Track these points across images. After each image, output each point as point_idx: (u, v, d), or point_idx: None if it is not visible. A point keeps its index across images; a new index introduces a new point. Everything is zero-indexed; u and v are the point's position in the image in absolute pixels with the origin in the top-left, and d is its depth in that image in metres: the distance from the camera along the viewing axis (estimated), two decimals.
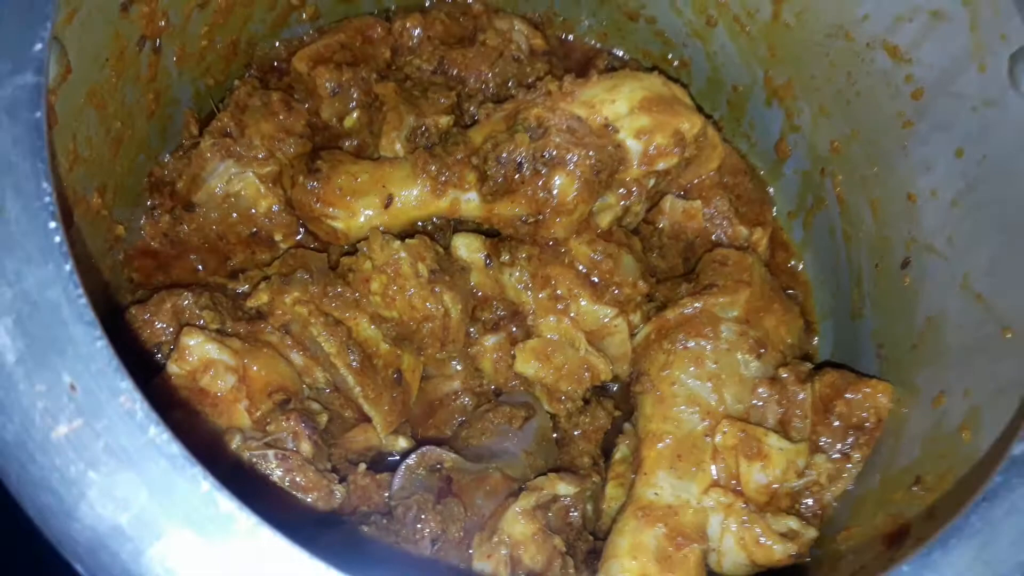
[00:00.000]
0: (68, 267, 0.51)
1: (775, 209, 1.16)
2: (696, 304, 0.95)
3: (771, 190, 1.16)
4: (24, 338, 0.49)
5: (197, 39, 1.01)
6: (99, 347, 0.49)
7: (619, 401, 1.02)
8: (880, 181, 0.98)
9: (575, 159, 0.93)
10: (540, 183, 0.93)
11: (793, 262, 1.16)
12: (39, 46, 0.59)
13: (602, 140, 0.95)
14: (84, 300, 0.50)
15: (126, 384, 0.48)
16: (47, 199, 0.52)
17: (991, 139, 0.83)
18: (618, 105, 0.97)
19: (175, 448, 0.47)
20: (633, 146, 0.96)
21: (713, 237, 1.07)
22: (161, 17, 0.93)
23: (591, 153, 0.93)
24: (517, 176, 0.93)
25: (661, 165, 0.97)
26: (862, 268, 1.03)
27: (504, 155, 0.93)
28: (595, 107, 0.96)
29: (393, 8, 1.18)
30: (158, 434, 0.47)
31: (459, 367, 0.97)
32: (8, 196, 0.52)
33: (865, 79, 0.97)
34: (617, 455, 0.96)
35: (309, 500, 0.78)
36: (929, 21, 0.87)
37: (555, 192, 0.93)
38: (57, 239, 0.51)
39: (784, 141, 1.12)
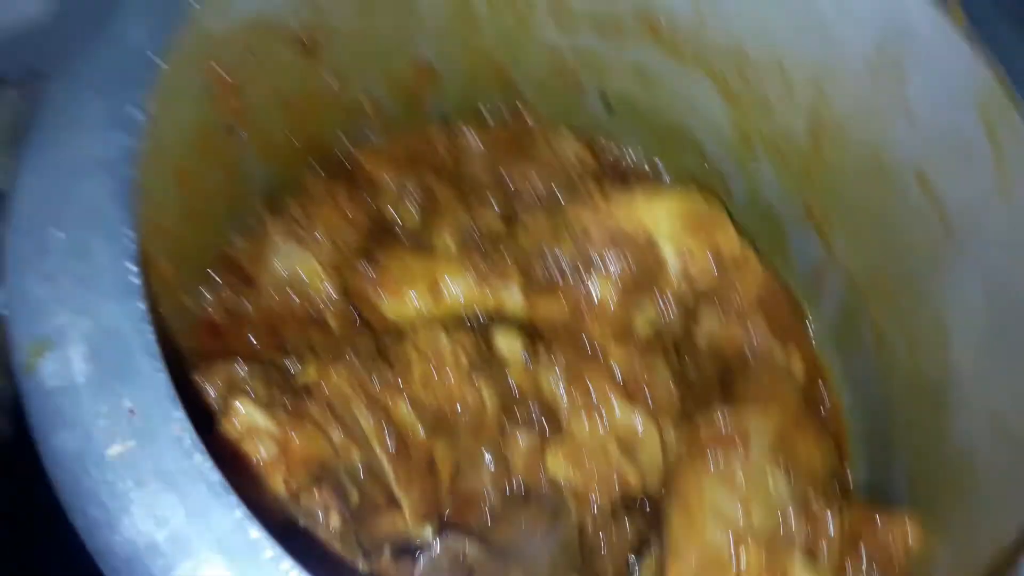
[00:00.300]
0: (141, 306, 0.56)
1: (812, 334, 1.18)
2: (728, 421, 0.96)
3: (808, 316, 1.19)
4: (95, 363, 0.54)
5: (277, 133, 1.10)
6: (159, 378, 0.53)
7: (648, 515, 1.02)
8: (914, 312, 1.01)
9: (615, 267, 0.98)
10: (580, 286, 0.98)
11: (827, 389, 1.17)
12: (137, 114, 0.66)
13: (643, 252, 1.00)
14: (152, 336, 0.55)
15: (179, 414, 0.52)
16: (130, 245, 0.57)
17: (1020, 273, 0.85)
18: (660, 218, 1.02)
19: (216, 476, 0.51)
20: (672, 260, 1.01)
21: (749, 356, 1.09)
22: (248, 111, 1.03)
23: (631, 263, 0.98)
24: (559, 277, 0.98)
25: (699, 283, 1.02)
26: (894, 398, 1.04)
27: (548, 256, 0.98)
28: (638, 220, 1.02)
29: (455, 120, 1.27)
30: (202, 461, 0.51)
31: (491, 462, 0.99)
32: (97, 240, 0.58)
33: (900, 210, 1.00)
34: (643, 571, 0.96)
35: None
36: (956, 153, 0.91)
37: (595, 296, 0.98)
38: (135, 280, 0.57)
39: (821, 267, 1.16)
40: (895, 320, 1.04)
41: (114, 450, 0.51)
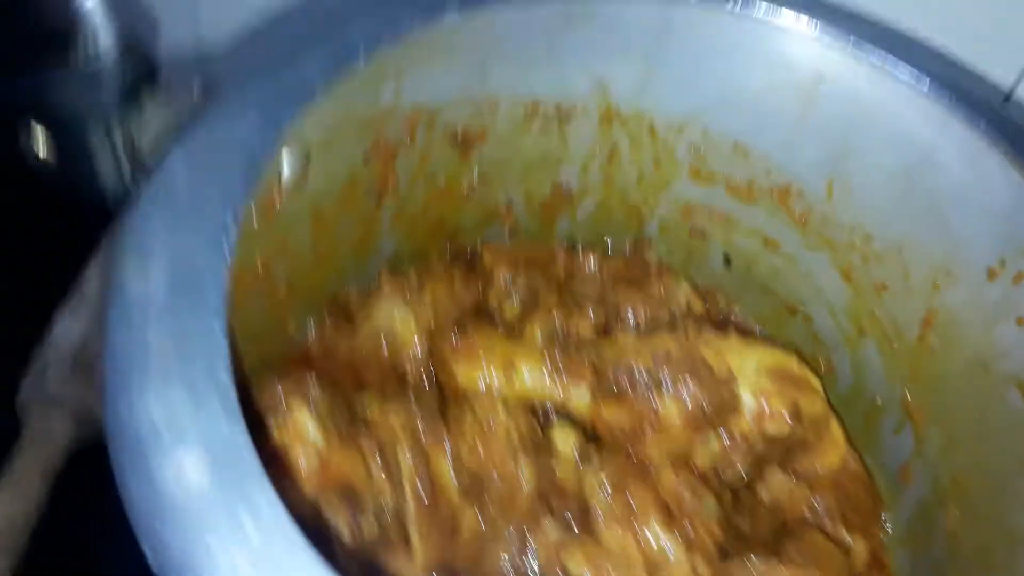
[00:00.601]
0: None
1: (886, 532, 1.11)
2: (760, 570, 0.92)
3: (885, 510, 1.12)
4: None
5: (416, 211, 1.22)
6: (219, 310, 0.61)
7: None
8: (994, 522, 0.94)
9: (688, 391, 0.99)
10: (650, 401, 0.99)
11: None
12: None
13: (720, 386, 1.01)
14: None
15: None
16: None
17: None
18: (746, 363, 1.03)
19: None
20: (748, 401, 1.01)
21: (809, 523, 1.04)
22: (396, 183, 1.15)
23: (704, 390, 0.99)
24: (630, 388, 1.00)
25: (770, 427, 1.00)
26: None
27: (624, 365, 1.01)
28: (723, 357, 1.03)
29: (580, 245, 1.34)
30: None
31: (513, 542, 0.99)
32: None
33: (997, 415, 0.96)
34: None
35: None
36: None
37: (660, 412, 0.99)
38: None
39: (909, 465, 1.10)
40: (974, 529, 0.97)
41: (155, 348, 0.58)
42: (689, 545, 0.95)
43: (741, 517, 1.04)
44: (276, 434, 0.93)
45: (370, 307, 1.15)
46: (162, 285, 0.64)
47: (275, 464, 0.91)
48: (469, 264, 1.27)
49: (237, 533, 0.52)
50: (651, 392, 0.99)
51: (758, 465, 1.05)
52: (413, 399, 1.00)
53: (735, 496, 1.05)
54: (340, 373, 1.12)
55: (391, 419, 0.97)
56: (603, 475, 1.00)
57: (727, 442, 1.00)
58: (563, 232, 1.34)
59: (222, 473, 0.55)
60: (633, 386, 1.00)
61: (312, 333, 1.15)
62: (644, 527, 0.96)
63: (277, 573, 0.49)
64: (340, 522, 0.86)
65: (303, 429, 0.93)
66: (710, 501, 0.98)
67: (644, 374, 1.00)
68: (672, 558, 0.95)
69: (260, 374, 1.07)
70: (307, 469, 0.91)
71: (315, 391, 1.00)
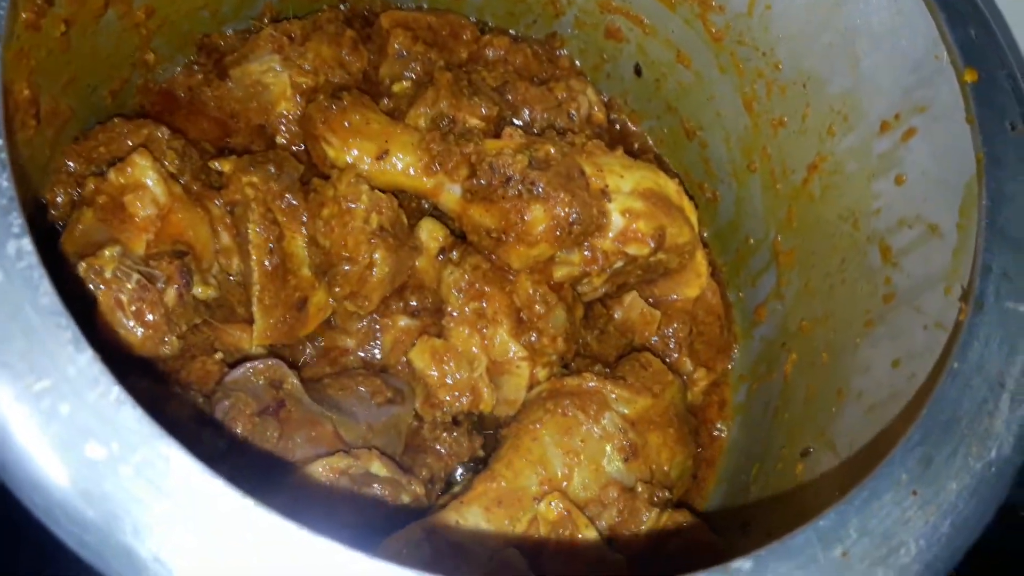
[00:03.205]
0: None
1: (732, 366, 1.14)
2: (595, 383, 0.93)
3: (736, 346, 1.15)
4: None
5: None
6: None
7: (488, 444, 1.00)
8: (824, 370, 0.97)
9: (558, 200, 0.95)
10: (517, 205, 0.95)
11: (722, 424, 1.13)
12: None
13: (591, 200, 0.97)
14: None
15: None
16: None
17: (926, 360, 0.81)
18: (623, 181, 0.99)
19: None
20: (616, 220, 0.98)
21: (654, 351, 1.06)
22: None
23: (575, 203, 0.95)
24: (501, 189, 0.96)
25: (632, 249, 0.98)
26: (771, 446, 1.00)
27: (498, 164, 0.96)
28: (602, 172, 0.99)
29: (490, 24, 1.25)
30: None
31: (362, 329, 0.98)
32: None
33: (853, 270, 0.97)
34: (456, 488, 0.93)
35: (139, 334, 0.79)
36: (925, 233, 0.87)
37: (526, 219, 0.95)
38: None
39: (765, 306, 1.12)
40: (805, 375, 1.00)
41: None
42: (533, 354, 0.96)
43: (591, 333, 1.05)
44: (113, 177, 0.87)
45: (244, 54, 1.06)
46: None
47: (111, 210, 0.86)
48: (363, 30, 1.17)
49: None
50: (521, 196, 0.95)
51: (617, 286, 1.05)
52: (273, 166, 0.94)
53: (589, 312, 1.05)
54: (206, 127, 1.04)
55: (243, 180, 0.92)
56: (461, 274, 0.98)
57: (588, 256, 0.98)
58: (474, 6, 1.24)
59: None
60: (504, 187, 0.96)
61: (179, 72, 1.06)
62: (493, 331, 0.96)
63: (13, 316, 0.45)
64: (167, 280, 0.82)
65: (142, 174, 0.87)
66: (560, 314, 0.98)
67: (517, 176, 0.96)
68: (514, 363, 0.95)
69: (108, 109, 0.99)
70: (141, 216, 0.86)
71: (166, 139, 0.94)
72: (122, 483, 0.44)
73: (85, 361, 0.45)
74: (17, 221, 0.48)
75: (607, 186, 0.99)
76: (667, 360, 1.06)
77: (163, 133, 0.93)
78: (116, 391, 0.45)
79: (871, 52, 0.93)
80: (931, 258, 0.85)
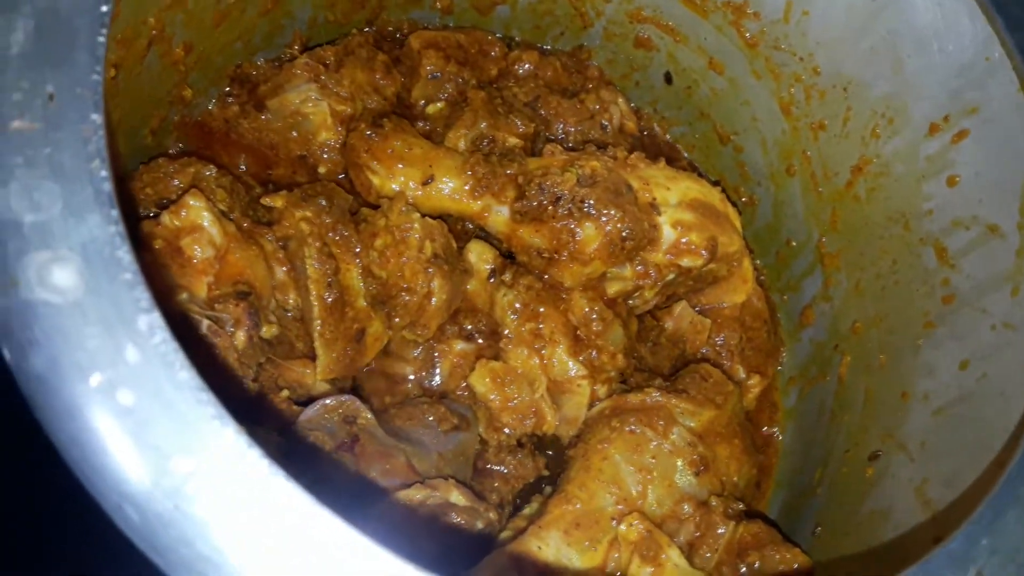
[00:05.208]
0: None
1: (780, 369, 1.15)
2: (659, 397, 0.93)
3: (784, 349, 1.15)
4: (37, 42, 0.52)
5: None
6: (93, 80, 0.52)
7: (552, 464, 1.00)
8: (883, 372, 0.97)
9: (609, 217, 0.95)
10: (569, 224, 0.95)
11: (776, 429, 1.13)
12: None
13: (642, 215, 0.97)
14: (103, 41, 0.53)
15: (96, 117, 0.51)
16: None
17: (998, 360, 0.82)
18: (671, 193, 0.99)
19: (107, 187, 0.49)
20: (667, 232, 0.98)
21: (708, 360, 1.06)
22: None
23: (626, 219, 0.95)
24: (551, 209, 0.96)
25: (685, 262, 0.98)
26: (833, 449, 1.01)
27: (547, 184, 0.96)
28: (649, 185, 0.99)
29: (517, 40, 1.24)
30: (99, 167, 0.49)
31: (419, 356, 0.97)
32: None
33: (907, 271, 0.97)
34: (526, 510, 0.93)
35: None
36: (983, 234, 0.87)
37: (578, 238, 0.95)
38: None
39: (812, 308, 1.12)
40: (863, 377, 1.00)
41: (14, 126, 0.49)
42: (592, 371, 0.96)
43: (644, 346, 1.05)
44: (167, 220, 0.86)
45: (279, 83, 1.04)
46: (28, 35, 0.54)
47: (169, 255, 0.85)
48: (392, 48, 1.16)
49: (111, 352, 0.46)
50: (572, 215, 0.95)
51: (667, 297, 1.05)
52: (324, 199, 0.93)
53: (640, 324, 1.05)
54: (247, 161, 1.03)
55: (296, 216, 0.91)
56: (515, 296, 0.97)
57: (640, 270, 0.98)
58: (501, 21, 1.23)
59: (97, 281, 0.49)
60: (555, 206, 0.96)
61: (213, 105, 1.05)
62: (551, 351, 0.96)
63: (154, 395, 0.45)
64: (235, 323, 0.81)
65: (197, 216, 0.86)
66: (618, 330, 0.98)
67: (567, 194, 0.96)
68: (575, 381, 0.95)
69: (149, 149, 0.98)
70: (200, 259, 0.85)
71: (214, 177, 0.92)
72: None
73: (231, 436, 0.44)
74: (144, 295, 0.47)
75: (655, 199, 0.99)
76: (721, 368, 1.07)
77: (211, 171, 0.92)
78: (265, 465, 0.44)
79: (915, 55, 0.93)
80: (993, 259, 0.86)
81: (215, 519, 0.43)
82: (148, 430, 0.44)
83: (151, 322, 0.46)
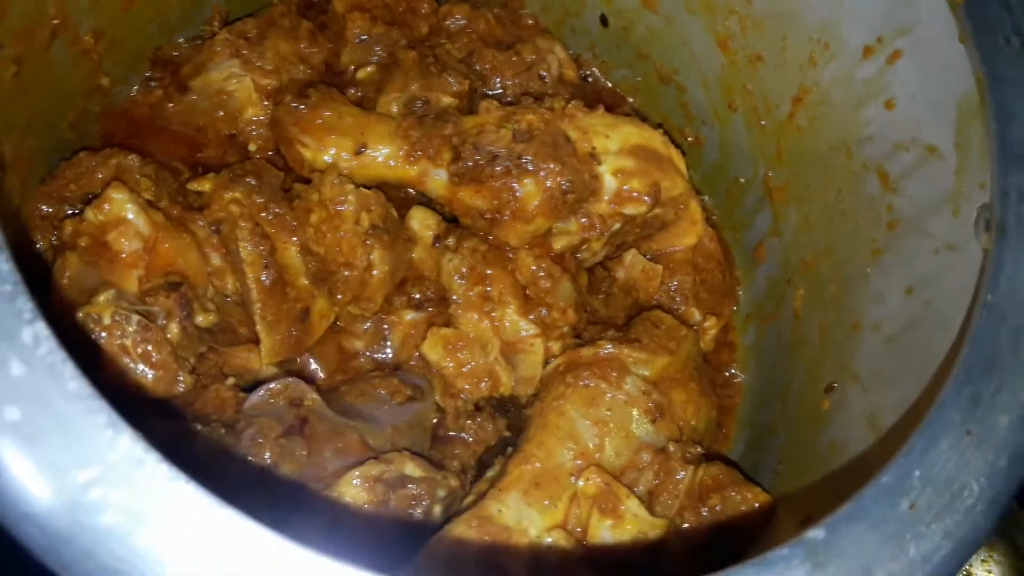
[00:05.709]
0: None
1: (737, 308, 1.14)
2: (611, 349, 0.93)
3: (739, 290, 1.14)
4: None
5: None
6: None
7: (512, 424, 0.99)
8: (835, 303, 0.97)
9: (548, 172, 0.93)
10: (508, 182, 0.93)
11: (736, 368, 1.13)
12: None
13: (581, 166, 0.95)
14: None
15: None
16: None
17: (941, 284, 0.81)
18: (610, 141, 0.97)
19: None
20: (609, 182, 0.96)
21: (661, 306, 1.05)
22: None
23: (566, 172, 0.93)
24: (489, 168, 0.94)
25: (629, 209, 0.97)
26: (792, 385, 1.00)
27: (483, 143, 0.94)
28: (588, 134, 0.97)
29: None
30: None
31: (369, 329, 0.96)
32: None
33: (852, 199, 0.96)
34: (489, 472, 0.93)
35: (149, 377, 0.77)
36: (923, 155, 0.86)
37: (519, 196, 0.93)
38: None
39: (764, 244, 1.11)
40: (817, 309, 1.00)
41: None
42: (544, 329, 0.95)
43: (597, 298, 1.04)
44: (91, 216, 0.84)
45: (200, 62, 1.01)
46: None
47: (96, 251, 0.83)
48: (319, 19, 1.12)
49: None
50: (510, 172, 0.93)
51: (616, 246, 1.04)
52: (253, 178, 0.91)
53: (591, 277, 1.04)
54: (174, 146, 1.00)
55: (226, 198, 0.89)
56: (460, 260, 0.96)
57: (585, 222, 0.97)
58: None
59: None
60: (492, 165, 0.94)
61: (136, 91, 1.02)
62: (502, 313, 0.95)
63: (44, 408, 0.43)
64: (167, 315, 0.80)
65: (121, 209, 0.84)
66: (567, 285, 0.97)
67: (504, 152, 0.94)
68: (527, 341, 0.94)
69: (71, 143, 0.95)
70: (128, 252, 0.83)
71: (137, 166, 0.90)
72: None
73: (127, 443, 0.43)
74: (27, 305, 0.45)
75: (595, 148, 0.97)
76: (676, 313, 1.06)
77: (133, 160, 0.90)
78: (164, 469, 0.43)
79: None
80: (933, 180, 0.84)
81: (117, 530, 0.42)
82: (39, 444, 0.42)
83: (36, 333, 0.44)
